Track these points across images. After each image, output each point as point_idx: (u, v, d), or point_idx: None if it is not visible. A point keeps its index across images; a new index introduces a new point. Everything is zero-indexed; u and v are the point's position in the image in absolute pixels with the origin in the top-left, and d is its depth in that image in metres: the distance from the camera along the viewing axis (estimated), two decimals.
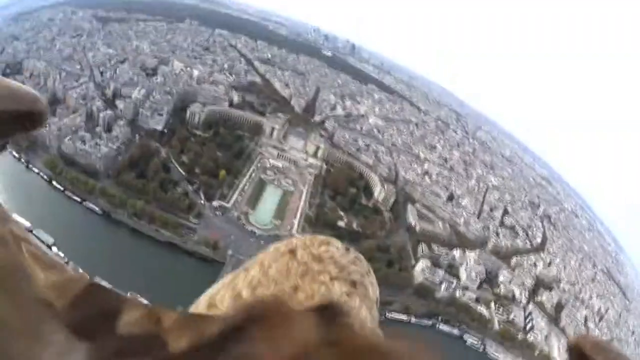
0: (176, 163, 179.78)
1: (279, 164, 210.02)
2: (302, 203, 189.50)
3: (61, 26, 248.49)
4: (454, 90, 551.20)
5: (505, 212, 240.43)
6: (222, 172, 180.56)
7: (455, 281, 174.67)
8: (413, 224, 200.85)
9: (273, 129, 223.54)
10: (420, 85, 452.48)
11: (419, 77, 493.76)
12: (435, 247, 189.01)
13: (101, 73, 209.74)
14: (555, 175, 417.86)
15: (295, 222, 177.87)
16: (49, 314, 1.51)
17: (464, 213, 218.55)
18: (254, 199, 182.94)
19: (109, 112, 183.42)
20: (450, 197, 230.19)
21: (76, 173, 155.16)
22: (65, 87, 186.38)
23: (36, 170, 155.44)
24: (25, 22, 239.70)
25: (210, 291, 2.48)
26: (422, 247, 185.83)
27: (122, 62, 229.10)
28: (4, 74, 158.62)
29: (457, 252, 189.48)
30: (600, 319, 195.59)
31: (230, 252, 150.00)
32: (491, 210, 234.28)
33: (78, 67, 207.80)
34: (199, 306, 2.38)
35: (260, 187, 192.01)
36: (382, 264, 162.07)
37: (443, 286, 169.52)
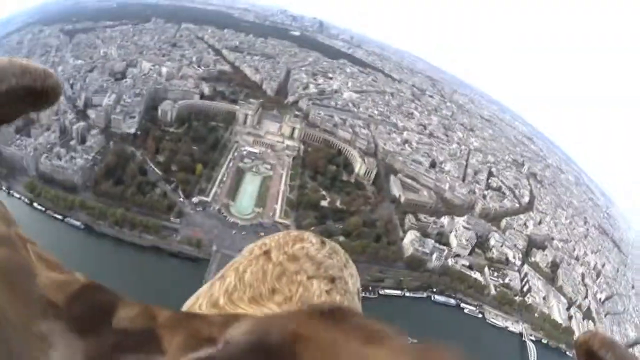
0: (152, 164, 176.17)
1: (256, 150, 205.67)
2: (282, 187, 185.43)
3: (30, 46, 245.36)
4: (427, 57, 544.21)
5: (490, 173, 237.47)
6: (199, 167, 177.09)
7: (446, 249, 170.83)
8: (397, 195, 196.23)
9: (246, 115, 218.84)
10: (392, 55, 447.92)
11: (390, 48, 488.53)
12: (422, 216, 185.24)
13: (71, 85, 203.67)
14: (537, 132, 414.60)
15: (277, 207, 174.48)
16: (51, 311, 1.51)
17: (448, 178, 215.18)
18: (234, 190, 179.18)
19: (81, 123, 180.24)
20: (433, 164, 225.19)
21: (55, 191, 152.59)
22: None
23: (17, 195, 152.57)
24: None
25: (188, 302, 2.47)
26: (409, 218, 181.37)
27: (91, 70, 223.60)
28: None
29: (445, 220, 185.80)
30: (598, 275, 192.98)
31: (214, 247, 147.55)
32: (475, 173, 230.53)
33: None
34: None
35: (238, 177, 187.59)
36: (370, 240, 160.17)
37: (434, 256, 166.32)
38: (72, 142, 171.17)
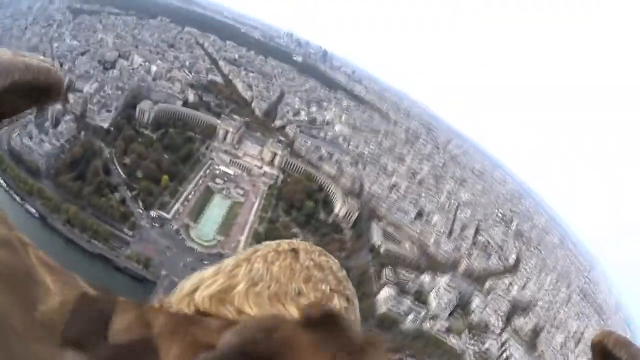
0: (118, 165, 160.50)
1: (230, 171, 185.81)
2: (251, 217, 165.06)
3: (36, 15, 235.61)
4: (425, 103, 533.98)
5: (478, 230, 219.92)
6: (165, 178, 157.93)
7: (423, 310, 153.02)
8: (377, 244, 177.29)
9: (227, 132, 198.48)
10: (392, 96, 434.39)
11: (390, 89, 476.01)
12: (401, 271, 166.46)
13: (61, 64, 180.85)
14: (525, 190, 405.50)
15: (242, 239, 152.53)
16: (49, 327, 1.45)
17: (433, 232, 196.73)
18: (198, 210, 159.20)
19: (57, 106, 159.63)
20: (419, 214, 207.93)
21: (19, 171, 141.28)
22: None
23: None
24: (7, 8, 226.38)
25: (201, 274, 2.33)
26: (387, 272, 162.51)
27: (83, 54, 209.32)
28: None
29: (426, 277, 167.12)
30: (578, 341, 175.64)
31: (164, 272, 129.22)
32: (463, 228, 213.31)
33: (40, 56, 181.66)
34: (184, 289, 2.26)
35: (206, 197, 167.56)
36: None
37: (410, 317, 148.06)
38: (46, 124, 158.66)
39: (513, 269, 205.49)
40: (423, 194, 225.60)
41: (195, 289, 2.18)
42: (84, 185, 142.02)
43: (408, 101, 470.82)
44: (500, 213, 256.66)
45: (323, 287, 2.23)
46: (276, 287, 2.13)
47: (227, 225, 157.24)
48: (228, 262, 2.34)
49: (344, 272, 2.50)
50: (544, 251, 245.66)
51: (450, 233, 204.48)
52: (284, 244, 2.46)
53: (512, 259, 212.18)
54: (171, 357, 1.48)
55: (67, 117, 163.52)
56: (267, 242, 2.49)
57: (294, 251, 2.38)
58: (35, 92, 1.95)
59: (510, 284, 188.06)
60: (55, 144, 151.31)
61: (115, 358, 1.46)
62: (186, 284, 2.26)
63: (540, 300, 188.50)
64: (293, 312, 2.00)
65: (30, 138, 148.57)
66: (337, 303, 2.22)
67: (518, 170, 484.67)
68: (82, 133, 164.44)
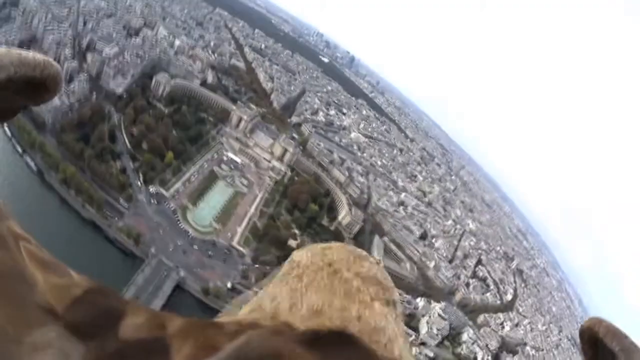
0: (124, 133, 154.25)
1: (238, 159, 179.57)
2: (252, 209, 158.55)
3: None
4: (445, 125, 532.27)
5: (479, 261, 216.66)
6: (170, 154, 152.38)
7: (413, 335, 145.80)
8: (377, 259, 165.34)
9: (241, 119, 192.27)
10: (412, 112, 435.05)
11: (412, 105, 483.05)
12: (397, 292, 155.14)
13: (84, 23, 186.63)
14: (530, 229, 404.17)
15: (239, 230, 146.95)
16: (48, 319, 1.45)
17: (435, 256, 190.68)
18: (198, 194, 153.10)
19: (73, 63, 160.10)
20: (424, 236, 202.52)
21: (24, 121, 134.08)
22: (45, 29, 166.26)
23: None
24: None
25: (267, 292, 2.37)
26: None
27: (109, 16, 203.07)
28: (2, 5, 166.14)
29: (421, 302, 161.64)
30: None
31: (153, 250, 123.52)
32: (465, 257, 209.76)
33: (66, 11, 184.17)
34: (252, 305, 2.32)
35: (209, 181, 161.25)
36: None
37: None
38: None
39: (508, 305, 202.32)
40: (430, 216, 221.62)
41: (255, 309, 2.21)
42: (87, 147, 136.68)
43: (428, 121, 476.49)
44: (503, 249, 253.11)
45: (363, 297, 2.23)
46: (319, 303, 2.13)
47: (226, 214, 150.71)
48: (279, 292, 2.31)
49: (384, 273, 2.53)
50: (541, 292, 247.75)
51: (452, 260, 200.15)
52: (317, 259, 2.42)
53: (509, 295, 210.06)
54: (182, 357, 1.47)
55: (81, 77, 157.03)
56: (300, 256, 2.50)
57: (330, 265, 2.36)
58: (31, 88, 1.90)
59: (504, 320, 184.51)
60: (65, 101, 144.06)
61: (125, 352, 1.45)
62: (243, 309, 2.31)
63: (531, 341, 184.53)
64: (339, 325, 2.00)
65: None
66: (379, 312, 2.20)
67: (526, 208, 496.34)
68: (94, 95, 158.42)
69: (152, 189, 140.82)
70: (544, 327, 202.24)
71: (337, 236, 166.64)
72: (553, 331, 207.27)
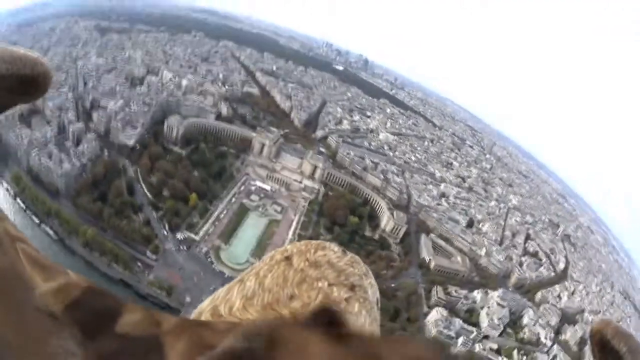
0: (143, 184, 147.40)
1: (267, 186, 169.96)
2: (290, 235, 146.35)
3: (60, 36, 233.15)
4: (467, 106, 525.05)
5: (528, 236, 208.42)
6: (193, 196, 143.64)
7: (474, 331, 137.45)
8: (427, 259, 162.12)
9: (263, 145, 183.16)
10: (435, 101, 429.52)
11: (433, 94, 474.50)
12: (452, 289, 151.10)
13: (85, 83, 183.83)
14: (568, 190, 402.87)
15: None
16: (49, 323, 1.46)
17: (485, 241, 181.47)
18: (230, 231, 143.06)
19: (79, 124, 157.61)
20: (470, 223, 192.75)
21: (37, 191, 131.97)
22: (44, 97, 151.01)
23: (5, 185, 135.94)
24: (28, 30, 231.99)
25: (203, 304, 2.43)
26: (437, 291, 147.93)
27: (110, 71, 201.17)
28: None
29: (477, 294, 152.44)
30: None
31: (188, 299, 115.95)
32: (513, 235, 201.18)
33: (64, 75, 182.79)
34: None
35: (240, 216, 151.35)
36: (385, 315, 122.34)
37: (460, 339, 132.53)
38: (68, 143, 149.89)
39: (562, 275, 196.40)
40: (472, 201, 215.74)
41: (198, 317, 2.27)
42: (105, 206, 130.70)
43: (452, 106, 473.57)
44: (548, 217, 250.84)
45: (319, 284, 2.25)
46: (269, 297, 2.18)
47: (262, 246, 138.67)
48: (222, 289, 2.41)
49: (348, 257, 2.51)
50: (589, 251, 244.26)
51: (501, 241, 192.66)
52: (277, 254, 2.50)
53: (561, 264, 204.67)
54: (176, 354, 1.48)
55: (89, 136, 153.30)
56: (263, 257, 2.56)
57: (287, 259, 2.41)
58: (21, 85, 1.87)
59: (560, 292, 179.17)
60: (76, 164, 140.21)
61: (121, 349, 1.46)
62: (195, 313, 2.35)
63: (588, 305, 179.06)
64: (287, 315, 2.05)
65: (50, 157, 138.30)
66: (336, 296, 2.23)
67: (560, 169, 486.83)
68: (106, 152, 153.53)
69: (179, 235, 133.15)
70: (597, 288, 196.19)
71: (383, 244, 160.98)
72: (606, 289, 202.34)
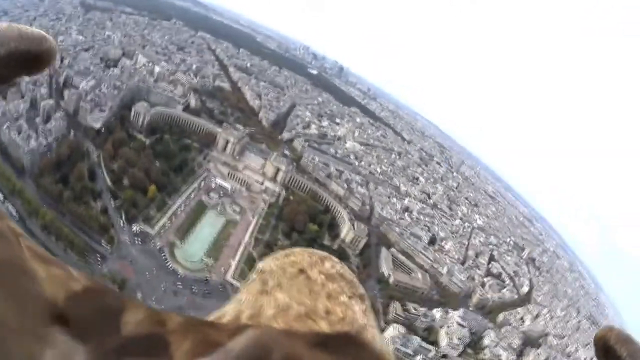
0: (104, 170, 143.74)
1: (227, 185, 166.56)
2: (246, 238, 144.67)
3: (47, 7, 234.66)
4: (439, 123, 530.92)
5: (492, 257, 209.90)
6: (152, 188, 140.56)
7: (433, 350, 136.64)
8: (386, 274, 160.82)
9: (227, 141, 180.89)
10: (406, 114, 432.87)
11: (405, 107, 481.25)
12: (411, 306, 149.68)
13: (62, 59, 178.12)
14: (535, 214, 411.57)
15: (233, 263, 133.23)
16: (50, 313, 1.42)
17: (447, 260, 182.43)
18: (186, 228, 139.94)
19: (50, 101, 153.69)
20: (433, 240, 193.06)
21: (4, 166, 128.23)
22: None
23: None
24: None
25: (221, 311, 2.29)
26: (395, 307, 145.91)
27: (87, 50, 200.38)
28: None
29: (437, 313, 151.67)
30: None
31: (139, 295, 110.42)
32: (477, 255, 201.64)
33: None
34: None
35: (197, 213, 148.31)
36: None
37: (418, 358, 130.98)
38: (37, 120, 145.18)
39: (526, 298, 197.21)
40: (436, 218, 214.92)
41: (219, 320, 2.16)
42: (66, 189, 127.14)
43: (423, 121, 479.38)
44: (513, 240, 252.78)
45: (342, 298, 2.23)
46: (305, 309, 2.11)
47: (217, 247, 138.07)
48: (245, 297, 2.28)
49: (347, 268, 2.49)
50: (555, 276, 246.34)
51: (464, 261, 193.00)
52: (288, 267, 2.39)
53: (525, 287, 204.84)
54: (182, 353, 1.47)
55: (58, 114, 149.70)
56: (268, 267, 2.43)
57: (302, 271, 2.34)
58: (28, 60, 1.95)
59: (523, 315, 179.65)
60: (42, 142, 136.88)
61: (123, 348, 1.44)
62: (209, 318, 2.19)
63: (552, 329, 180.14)
64: (324, 327, 2.00)
65: (19, 133, 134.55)
66: (358, 309, 2.20)
67: (528, 193, 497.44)
68: (72, 132, 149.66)
69: (135, 227, 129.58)
70: (562, 313, 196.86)
71: (342, 255, 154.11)
72: (572, 314, 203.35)
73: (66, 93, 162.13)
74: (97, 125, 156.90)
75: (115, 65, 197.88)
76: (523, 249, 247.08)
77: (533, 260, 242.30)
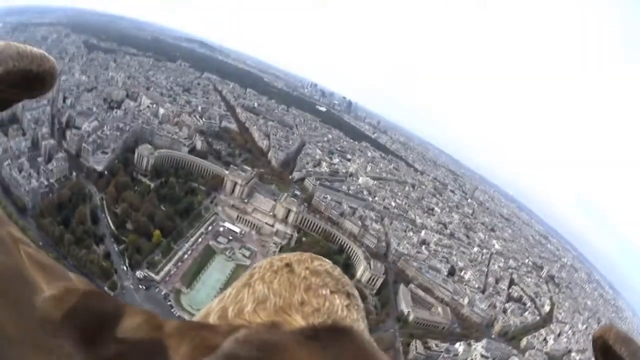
0: (107, 213, 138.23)
1: (237, 228, 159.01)
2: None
3: (50, 46, 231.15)
4: (449, 150, 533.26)
5: (512, 281, 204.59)
6: (157, 233, 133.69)
7: None
8: (406, 311, 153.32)
9: (235, 184, 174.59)
10: (417, 145, 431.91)
11: (415, 137, 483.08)
12: (432, 343, 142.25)
13: (64, 99, 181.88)
14: (550, 230, 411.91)
15: None
16: (48, 322, 1.46)
17: (467, 290, 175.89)
18: (194, 273, 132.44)
19: (52, 141, 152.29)
20: (452, 272, 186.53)
21: (6, 203, 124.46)
22: (24, 108, 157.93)
23: None
24: (22, 34, 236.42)
25: (207, 306, 2.40)
26: (416, 345, 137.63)
27: (90, 90, 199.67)
28: None
29: (460, 347, 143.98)
30: None
31: None
32: (497, 281, 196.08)
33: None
34: (194, 319, 2.30)
35: (205, 258, 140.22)
36: None
37: None
38: (39, 159, 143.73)
39: (548, 318, 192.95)
40: (454, 248, 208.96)
41: (206, 318, 2.24)
42: (67, 231, 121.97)
43: (433, 150, 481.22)
44: (531, 260, 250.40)
45: (323, 291, 2.27)
46: (281, 301, 2.16)
47: None
48: (230, 291, 2.36)
49: (339, 269, 2.54)
50: (574, 290, 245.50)
51: (484, 289, 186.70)
52: (276, 261, 2.46)
53: (546, 306, 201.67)
54: (179, 357, 1.49)
55: (60, 155, 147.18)
56: (259, 264, 2.51)
57: (288, 265, 2.39)
58: (27, 81, 1.91)
59: (547, 335, 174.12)
60: (44, 182, 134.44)
61: (124, 353, 1.47)
62: (195, 317, 2.32)
63: (575, 345, 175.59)
64: (299, 320, 2.04)
65: (20, 171, 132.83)
66: (339, 303, 2.24)
67: (542, 210, 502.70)
68: (74, 174, 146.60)
69: (139, 273, 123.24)
70: (584, 326, 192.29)
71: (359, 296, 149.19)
72: (593, 325, 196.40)
73: (68, 133, 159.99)
74: (100, 168, 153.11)
75: (118, 107, 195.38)
76: (542, 268, 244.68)
77: (552, 277, 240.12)
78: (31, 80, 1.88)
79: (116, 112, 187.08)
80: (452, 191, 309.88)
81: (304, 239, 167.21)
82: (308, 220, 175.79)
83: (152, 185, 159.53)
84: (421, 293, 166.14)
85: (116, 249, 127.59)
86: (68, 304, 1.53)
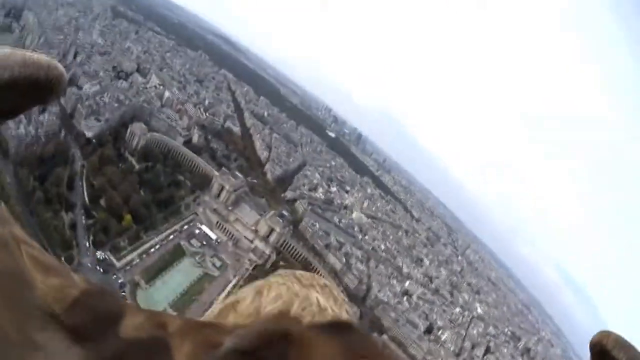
0: (84, 183, 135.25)
1: (213, 235, 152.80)
2: (220, 298, 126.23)
3: (77, 3, 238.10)
4: (450, 205, 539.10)
5: (487, 350, 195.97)
6: (128, 217, 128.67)
7: None
8: None
9: (222, 188, 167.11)
10: (418, 191, 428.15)
11: (417, 184, 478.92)
12: None
13: (75, 54, 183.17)
14: (532, 301, 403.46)
15: None
16: (48, 321, 1.46)
17: (442, 352, 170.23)
18: (157, 270, 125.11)
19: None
20: (429, 329, 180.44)
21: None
22: (35, 52, 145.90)
23: None
24: None
25: (214, 308, 2.38)
26: None
27: (102, 54, 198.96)
28: (6, 15, 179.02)
29: None
30: None
31: None
32: (473, 347, 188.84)
33: (60, 37, 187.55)
34: (214, 312, 2.31)
35: (172, 257, 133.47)
36: None
37: None
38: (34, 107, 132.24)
39: None
40: (436, 305, 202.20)
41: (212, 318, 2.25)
42: (40, 188, 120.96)
43: (433, 199, 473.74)
44: (510, 330, 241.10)
45: (336, 295, 2.37)
46: (284, 307, 2.15)
47: (186, 299, 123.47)
48: (244, 294, 2.34)
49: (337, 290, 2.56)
50: None
51: (459, 353, 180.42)
52: (284, 275, 2.52)
53: None
54: (183, 355, 1.50)
55: (54, 109, 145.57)
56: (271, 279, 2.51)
57: (296, 278, 2.44)
58: (35, 89, 1.89)
59: None
60: (31, 132, 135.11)
61: (125, 352, 1.47)
62: (208, 315, 2.32)
63: None
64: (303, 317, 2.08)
65: None
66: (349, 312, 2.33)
67: (528, 279, 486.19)
68: (63, 132, 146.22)
69: (100, 254, 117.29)
70: None
71: None
72: None
73: (68, 90, 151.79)
74: (89, 134, 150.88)
75: (125, 78, 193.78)
76: (519, 339, 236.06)
77: (528, 350, 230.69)
78: (37, 87, 1.85)
79: (121, 83, 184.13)
80: (444, 245, 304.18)
81: (281, 262, 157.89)
82: (290, 245, 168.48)
83: (137, 167, 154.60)
84: (393, 347, 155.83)
85: (84, 222, 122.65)
86: (68, 302, 1.53)
